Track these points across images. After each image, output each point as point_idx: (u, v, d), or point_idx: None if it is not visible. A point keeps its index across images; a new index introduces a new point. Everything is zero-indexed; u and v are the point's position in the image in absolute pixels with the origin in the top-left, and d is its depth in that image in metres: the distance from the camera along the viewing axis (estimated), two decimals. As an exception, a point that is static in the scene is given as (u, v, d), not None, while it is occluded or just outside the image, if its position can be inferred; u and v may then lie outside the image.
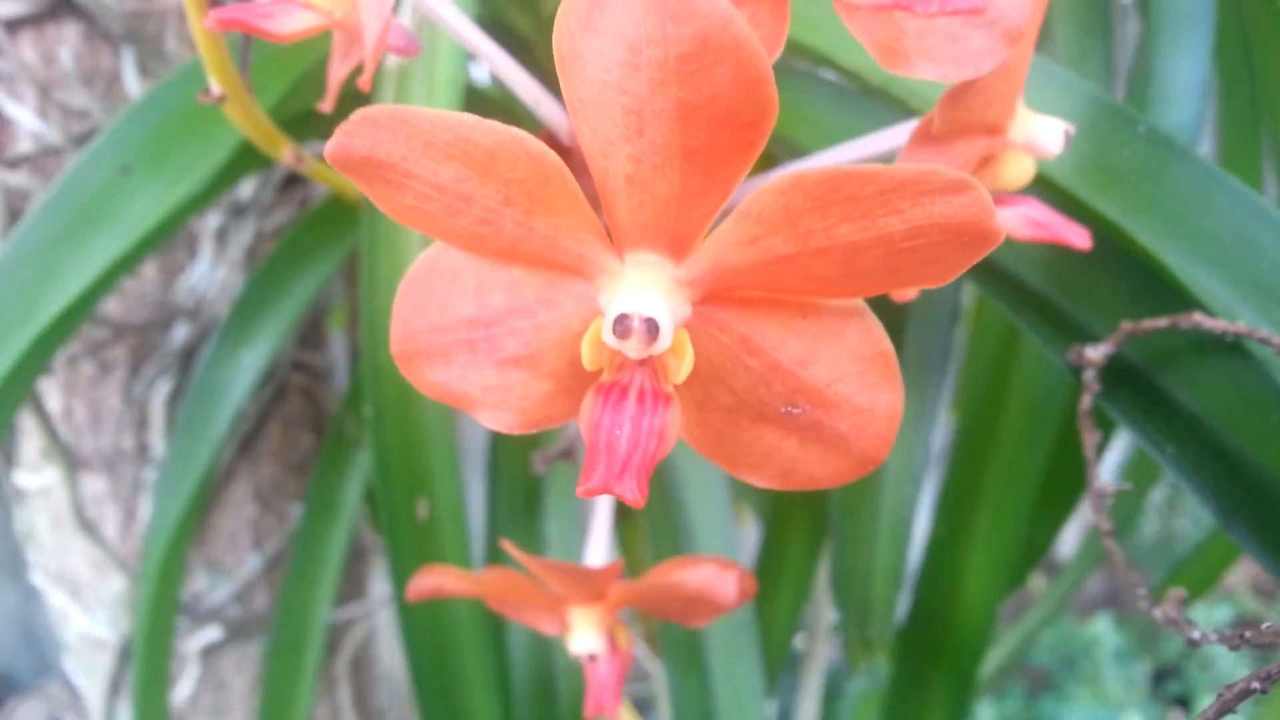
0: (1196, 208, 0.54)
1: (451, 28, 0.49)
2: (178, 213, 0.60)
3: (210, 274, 0.95)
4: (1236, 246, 0.52)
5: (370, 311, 0.64)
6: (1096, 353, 0.53)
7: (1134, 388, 0.54)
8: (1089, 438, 0.54)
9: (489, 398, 0.37)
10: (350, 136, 0.31)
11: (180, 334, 0.94)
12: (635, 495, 0.31)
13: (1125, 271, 0.57)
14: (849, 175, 0.29)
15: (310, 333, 1.05)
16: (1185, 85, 0.75)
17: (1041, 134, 0.46)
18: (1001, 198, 0.48)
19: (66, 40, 0.82)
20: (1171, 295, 0.54)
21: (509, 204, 0.31)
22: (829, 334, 0.34)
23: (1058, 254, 0.59)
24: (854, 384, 0.35)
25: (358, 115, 0.30)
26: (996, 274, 0.59)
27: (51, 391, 0.93)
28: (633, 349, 0.31)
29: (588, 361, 0.33)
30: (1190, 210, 0.54)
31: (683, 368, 0.32)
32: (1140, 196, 0.55)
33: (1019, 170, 0.46)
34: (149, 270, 0.92)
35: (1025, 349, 0.77)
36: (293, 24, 0.42)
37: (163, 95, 0.62)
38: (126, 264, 0.59)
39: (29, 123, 0.82)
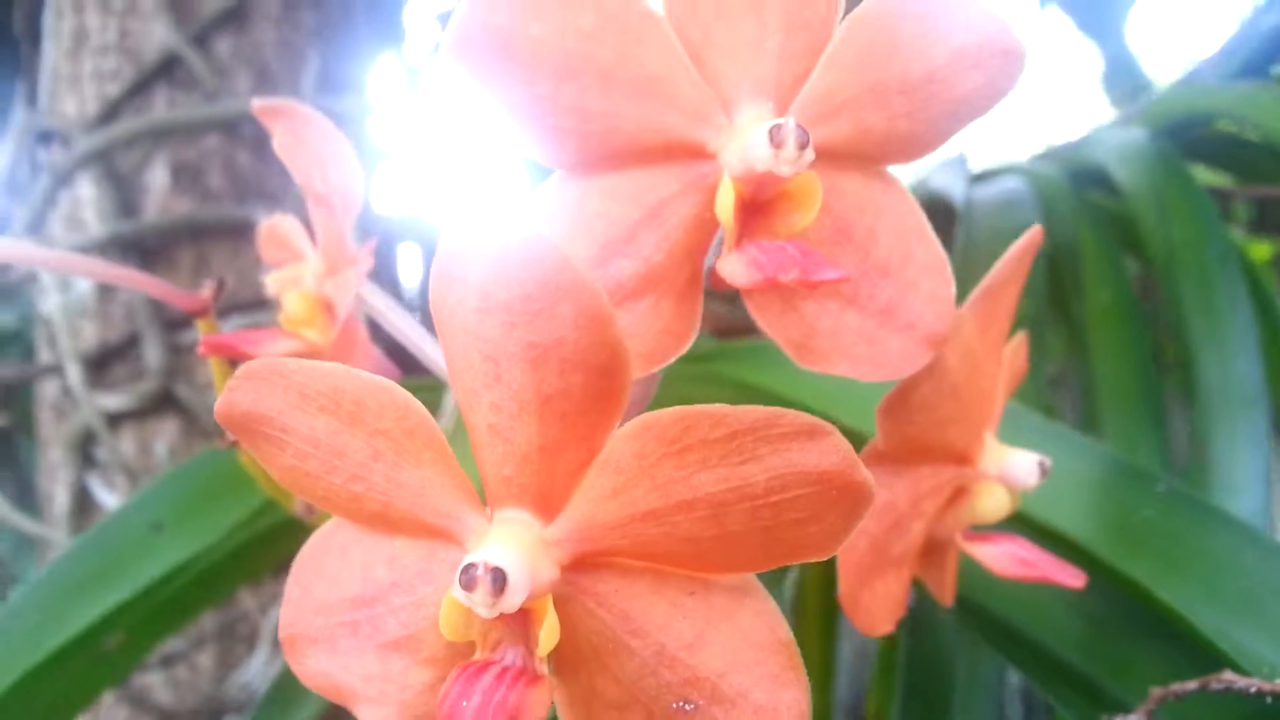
0: (1228, 568, 0.49)
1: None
2: (187, 564, 0.61)
3: (264, 671, 0.95)
4: (1277, 606, 0.47)
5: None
6: (1131, 727, 0.46)
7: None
8: (1137, 834, 0.45)
9: (369, 689, 0.34)
10: (234, 393, 0.32)
11: (223, 730, 0.92)
12: (467, 773, 0.27)
13: (1165, 644, 0.51)
14: (697, 415, 0.28)
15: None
16: (1246, 473, 0.71)
17: (1014, 465, 0.44)
18: (985, 535, 0.45)
19: (164, 434, 0.90)
20: (1217, 667, 0.48)
21: (377, 458, 0.31)
22: (719, 615, 0.31)
23: (1092, 626, 0.54)
24: (751, 675, 0.31)
25: (241, 370, 0.32)
26: (1023, 645, 0.53)
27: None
28: (480, 602, 0.29)
29: (445, 627, 0.30)
30: (1222, 571, 0.49)
31: (544, 635, 0.30)
32: (1166, 558, 0.51)
33: (994, 502, 0.44)
34: (205, 661, 0.93)
35: None
36: (276, 348, 0.46)
37: (200, 462, 0.66)
38: (131, 611, 0.60)
39: (115, 507, 0.88)
